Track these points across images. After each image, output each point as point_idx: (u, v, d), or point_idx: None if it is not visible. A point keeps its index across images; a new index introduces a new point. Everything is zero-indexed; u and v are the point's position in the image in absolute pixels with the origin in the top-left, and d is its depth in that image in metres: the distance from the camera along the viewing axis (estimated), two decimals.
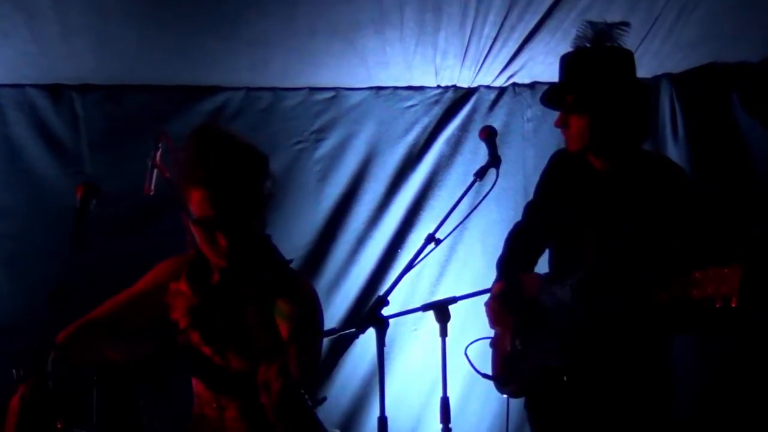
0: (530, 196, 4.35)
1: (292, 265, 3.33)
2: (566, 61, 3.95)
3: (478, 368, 4.28)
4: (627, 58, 3.88)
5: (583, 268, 3.82)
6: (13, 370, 3.14)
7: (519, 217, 4.45)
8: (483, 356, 4.37)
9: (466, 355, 4.29)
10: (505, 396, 4.32)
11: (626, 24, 3.91)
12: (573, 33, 3.94)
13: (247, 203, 3.18)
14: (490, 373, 4.32)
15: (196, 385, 3.44)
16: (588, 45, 3.88)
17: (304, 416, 2.99)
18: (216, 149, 3.14)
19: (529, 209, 4.39)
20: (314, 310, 3.38)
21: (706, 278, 3.25)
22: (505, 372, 4.24)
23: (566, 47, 4.02)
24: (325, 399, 3.11)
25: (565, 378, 3.82)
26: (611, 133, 3.81)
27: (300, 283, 3.38)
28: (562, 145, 4.03)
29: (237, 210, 3.14)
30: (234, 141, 3.20)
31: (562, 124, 3.91)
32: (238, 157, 3.16)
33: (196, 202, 3.14)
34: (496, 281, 4.30)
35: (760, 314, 3.19)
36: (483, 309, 4.24)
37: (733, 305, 3.15)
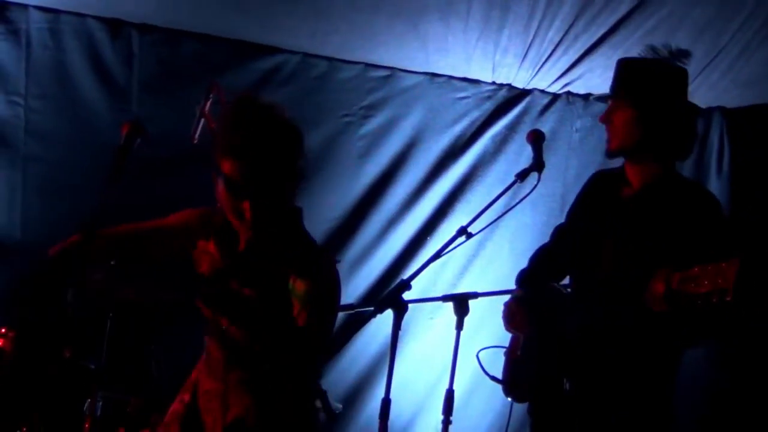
0: (567, 205, 4.32)
1: (319, 236, 3.34)
2: (622, 62, 3.94)
3: (486, 370, 4.29)
4: (680, 74, 3.86)
5: (600, 275, 3.82)
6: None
7: (552, 223, 4.43)
8: (492, 359, 4.37)
9: (477, 358, 4.30)
10: (509, 399, 4.32)
11: (688, 54, 3.88)
12: (634, 53, 3.92)
13: (276, 179, 3.19)
14: (499, 376, 4.32)
15: (210, 341, 3.44)
16: None
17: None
18: (252, 122, 3.16)
19: (558, 232, 4.36)
20: (331, 290, 3.36)
21: (704, 273, 3.24)
22: (513, 376, 4.25)
23: None
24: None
25: (567, 386, 3.82)
26: (652, 135, 3.78)
27: (321, 263, 3.36)
28: (606, 161, 4.02)
29: (265, 184, 3.16)
30: (272, 115, 3.21)
31: (606, 119, 3.87)
32: (273, 132, 3.17)
33: (226, 170, 3.16)
34: (516, 291, 4.29)
35: (755, 311, 3.14)
36: (500, 310, 4.23)
37: (728, 299, 3.13)
